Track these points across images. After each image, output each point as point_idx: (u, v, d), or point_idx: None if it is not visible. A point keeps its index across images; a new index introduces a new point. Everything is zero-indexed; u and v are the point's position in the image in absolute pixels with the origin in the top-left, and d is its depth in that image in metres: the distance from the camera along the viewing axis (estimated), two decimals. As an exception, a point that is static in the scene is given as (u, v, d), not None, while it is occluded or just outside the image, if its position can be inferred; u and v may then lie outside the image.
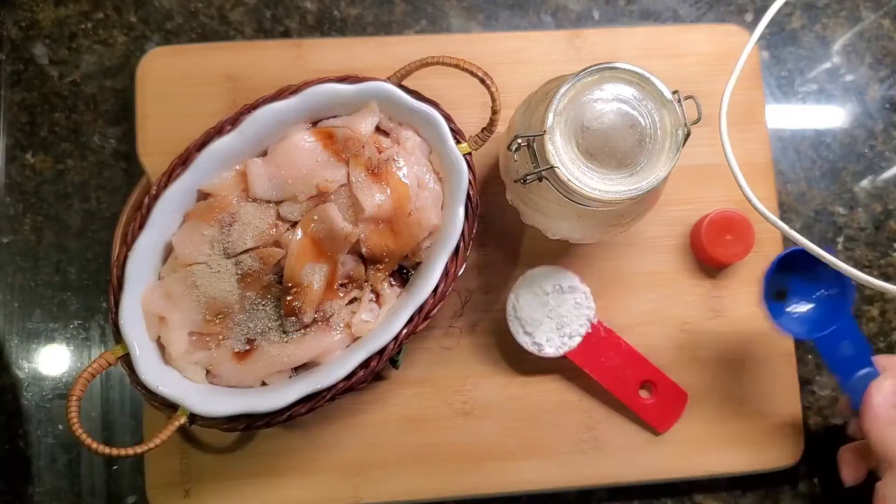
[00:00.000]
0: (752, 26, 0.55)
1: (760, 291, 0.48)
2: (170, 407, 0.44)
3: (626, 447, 0.53)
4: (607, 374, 0.51)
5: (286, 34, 0.59)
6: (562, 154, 0.40)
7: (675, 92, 0.40)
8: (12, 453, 0.54)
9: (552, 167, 0.40)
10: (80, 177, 0.56)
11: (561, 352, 0.51)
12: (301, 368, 0.48)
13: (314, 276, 0.47)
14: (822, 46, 0.62)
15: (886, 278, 0.59)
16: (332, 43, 0.56)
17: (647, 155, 0.40)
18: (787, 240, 0.52)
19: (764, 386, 0.54)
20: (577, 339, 0.51)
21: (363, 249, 0.47)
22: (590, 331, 0.51)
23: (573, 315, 0.51)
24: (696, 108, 0.41)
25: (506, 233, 0.54)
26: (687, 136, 0.40)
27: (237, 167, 0.48)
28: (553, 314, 0.51)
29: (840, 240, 0.59)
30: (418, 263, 0.49)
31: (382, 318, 0.48)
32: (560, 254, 0.54)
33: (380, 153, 0.48)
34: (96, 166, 0.56)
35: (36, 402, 0.54)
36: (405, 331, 0.46)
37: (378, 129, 0.49)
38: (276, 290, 0.47)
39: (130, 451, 0.42)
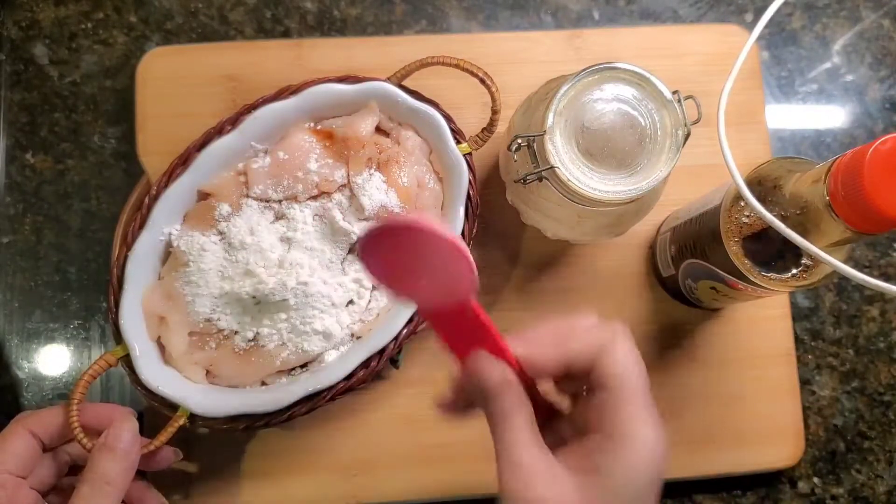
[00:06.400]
0: (752, 26, 0.55)
1: None
2: (170, 407, 0.44)
3: (626, 447, 0.53)
4: None
5: (286, 34, 0.58)
6: (562, 154, 0.40)
7: (675, 92, 0.40)
8: (12, 453, 0.54)
9: (552, 167, 0.40)
10: (80, 177, 0.56)
11: None
12: (301, 368, 0.48)
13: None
14: (822, 46, 0.61)
15: (886, 278, 0.59)
16: (332, 43, 0.56)
17: (647, 155, 0.40)
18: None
19: (764, 386, 0.54)
20: None
21: (363, 249, 0.47)
22: None
23: None
24: (696, 108, 0.41)
25: (506, 233, 0.54)
26: (687, 136, 0.40)
27: (237, 167, 0.48)
28: None
29: (840, 240, 0.59)
30: (418, 263, 0.49)
31: (382, 318, 0.48)
32: (560, 254, 0.54)
33: (380, 153, 0.48)
34: (96, 166, 0.56)
35: (36, 402, 0.54)
36: (405, 331, 0.46)
37: (378, 129, 0.49)
38: (276, 290, 0.47)
39: (130, 452, 0.42)
